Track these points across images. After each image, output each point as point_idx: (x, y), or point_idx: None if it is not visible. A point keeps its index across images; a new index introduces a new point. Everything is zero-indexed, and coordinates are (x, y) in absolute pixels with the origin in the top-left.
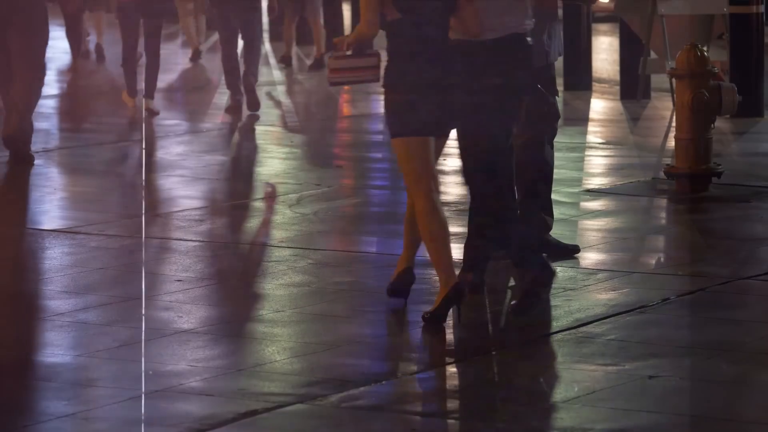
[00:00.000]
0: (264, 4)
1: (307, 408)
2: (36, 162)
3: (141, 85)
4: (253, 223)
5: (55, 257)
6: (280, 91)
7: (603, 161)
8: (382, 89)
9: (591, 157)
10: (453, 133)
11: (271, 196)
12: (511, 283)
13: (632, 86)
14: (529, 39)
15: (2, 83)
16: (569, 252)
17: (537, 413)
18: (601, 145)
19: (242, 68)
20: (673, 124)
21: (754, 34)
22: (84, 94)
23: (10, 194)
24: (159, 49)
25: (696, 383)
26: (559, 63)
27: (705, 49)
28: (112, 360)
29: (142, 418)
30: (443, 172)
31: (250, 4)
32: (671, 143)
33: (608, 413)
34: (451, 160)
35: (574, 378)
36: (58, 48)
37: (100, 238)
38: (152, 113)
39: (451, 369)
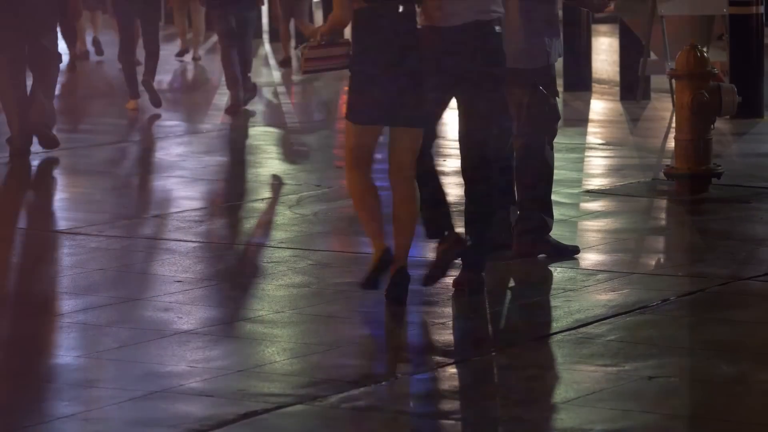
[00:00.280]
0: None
1: (306, 409)
2: (35, 163)
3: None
4: (252, 224)
5: (54, 258)
6: (280, 92)
7: (603, 162)
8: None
9: (591, 158)
10: (453, 133)
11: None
12: (511, 283)
13: (632, 87)
14: (497, 28)
15: (14, 77)
16: (569, 253)
17: (536, 414)
18: (601, 146)
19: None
20: (673, 125)
21: (754, 34)
22: (82, 93)
23: (10, 195)
24: (158, 40)
25: (696, 384)
26: (558, 63)
27: (705, 49)
28: (112, 361)
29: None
30: (443, 173)
31: (247, 4)
32: (671, 144)
33: (608, 414)
34: (451, 161)
35: (574, 378)
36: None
37: (99, 239)
38: (153, 94)
39: (451, 370)
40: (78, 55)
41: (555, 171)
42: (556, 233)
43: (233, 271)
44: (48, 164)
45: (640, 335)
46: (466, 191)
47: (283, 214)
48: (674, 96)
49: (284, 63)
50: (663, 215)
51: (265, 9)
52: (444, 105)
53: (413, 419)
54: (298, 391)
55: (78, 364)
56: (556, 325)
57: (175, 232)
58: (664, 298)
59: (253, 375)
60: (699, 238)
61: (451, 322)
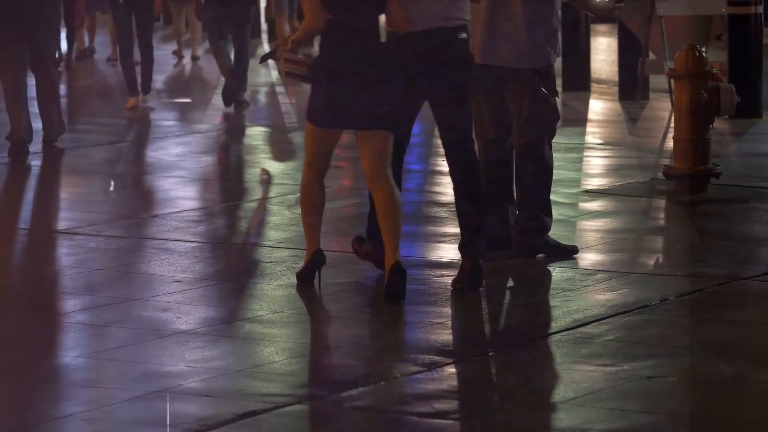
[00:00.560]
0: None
1: (305, 409)
2: (34, 163)
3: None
4: (251, 224)
5: (53, 258)
6: (278, 92)
7: (601, 162)
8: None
9: (589, 158)
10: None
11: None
12: (510, 283)
13: (631, 87)
14: (462, 35)
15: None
16: (568, 253)
17: (535, 414)
18: (600, 146)
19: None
20: (672, 124)
21: (753, 34)
22: (80, 94)
23: (9, 195)
24: (152, 43)
25: (694, 383)
26: (557, 64)
27: (703, 49)
28: (111, 361)
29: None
30: (441, 173)
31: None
32: (670, 144)
33: (607, 414)
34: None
35: (573, 378)
36: None
37: (98, 239)
38: (147, 107)
39: (450, 369)
40: (79, 54)
41: (554, 171)
42: (555, 233)
43: (232, 271)
44: (47, 164)
45: (638, 335)
46: (454, 188)
47: (282, 214)
48: (673, 96)
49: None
50: (662, 215)
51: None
52: (414, 109)
53: (412, 419)
54: (297, 391)
55: (77, 364)
56: (554, 325)
57: (173, 232)
58: (662, 298)
59: (251, 375)
60: (698, 237)
61: (449, 322)
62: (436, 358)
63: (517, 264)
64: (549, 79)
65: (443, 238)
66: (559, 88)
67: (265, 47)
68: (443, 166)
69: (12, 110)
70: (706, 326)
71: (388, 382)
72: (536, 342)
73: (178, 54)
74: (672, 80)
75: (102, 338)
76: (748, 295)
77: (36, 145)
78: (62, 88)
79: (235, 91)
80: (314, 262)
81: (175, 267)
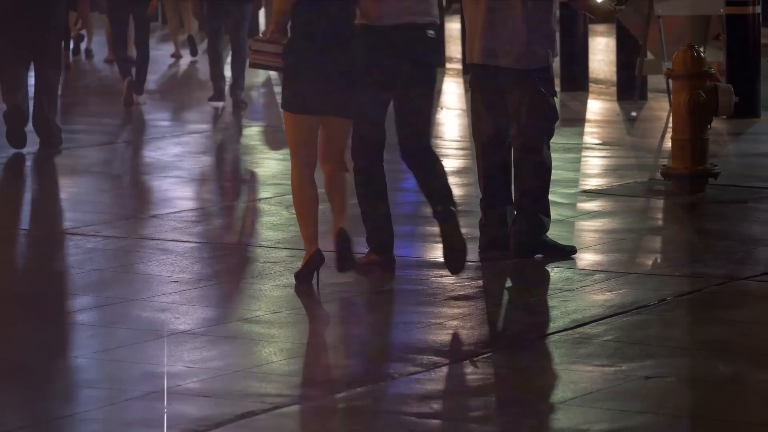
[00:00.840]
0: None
1: (304, 409)
2: (31, 163)
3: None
4: (249, 224)
5: (51, 259)
6: (276, 91)
7: (600, 162)
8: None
9: (588, 158)
10: (450, 134)
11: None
12: (508, 283)
13: (629, 87)
14: (430, 32)
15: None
16: (566, 253)
17: (534, 414)
18: (598, 146)
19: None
20: (670, 125)
21: (751, 34)
22: (77, 93)
23: (7, 195)
24: (148, 42)
25: (693, 384)
26: (555, 64)
27: (702, 49)
28: (110, 361)
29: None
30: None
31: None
32: (668, 144)
33: (605, 414)
34: (447, 161)
35: (571, 379)
36: None
37: (96, 239)
38: (139, 104)
39: (448, 370)
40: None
41: (552, 171)
42: (553, 233)
43: (230, 271)
44: (45, 164)
45: (637, 335)
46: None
47: (280, 215)
48: (671, 96)
49: None
50: (660, 215)
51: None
52: (385, 103)
53: (410, 419)
54: (295, 392)
55: (75, 365)
56: (553, 325)
57: (172, 232)
58: (661, 298)
59: (250, 375)
60: (696, 238)
61: (447, 323)
62: (435, 359)
63: (515, 264)
64: (547, 79)
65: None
66: (557, 88)
67: None
68: None
69: (9, 97)
70: (705, 326)
71: (386, 382)
72: (534, 342)
73: (176, 55)
74: (670, 80)
75: (100, 339)
76: (747, 295)
77: (33, 146)
78: (59, 89)
79: (222, 94)
80: (313, 263)
81: (173, 267)
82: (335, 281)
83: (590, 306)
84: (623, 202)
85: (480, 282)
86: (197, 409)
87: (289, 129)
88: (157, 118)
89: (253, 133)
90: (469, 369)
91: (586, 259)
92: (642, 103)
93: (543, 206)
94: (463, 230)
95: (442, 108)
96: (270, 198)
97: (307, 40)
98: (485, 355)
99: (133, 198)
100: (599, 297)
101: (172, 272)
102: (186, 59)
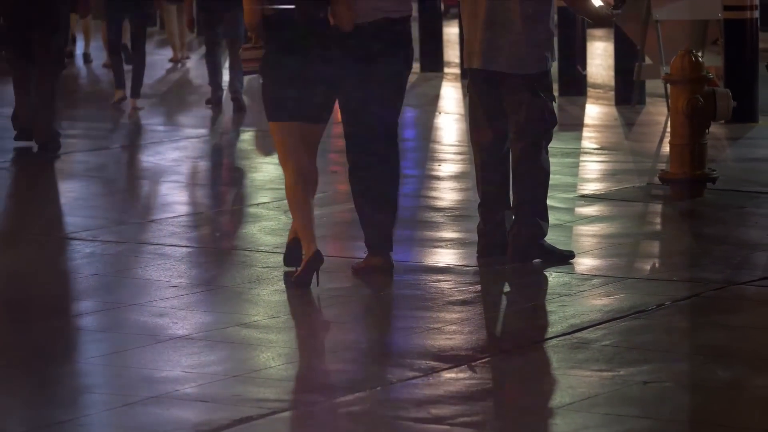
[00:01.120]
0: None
1: (302, 414)
2: (29, 168)
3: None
4: (247, 229)
5: (49, 263)
6: None
7: (598, 167)
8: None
9: (586, 163)
10: (448, 138)
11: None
12: (506, 288)
13: (627, 92)
14: (408, 26)
15: (21, 85)
16: (564, 258)
17: (532, 419)
18: (596, 151)
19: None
20: (668, 129)
21: (749, 39)
22: (76, 98)
23: (5, 200)
24: (144, 46)
25: (691, 389)
26: (553, 68)
27: (700, 54)
28: (107, 366)
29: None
30: (437, 178)
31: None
32: (666, 149)
33: (603, 419)
34: (446, 165)
35: (569, 384)
36: None
37: (95, 244)
38: (136, 110)
39: (446, 375)
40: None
41: (551, 175)
42: (551, 238)
43: (228, 276)
44: (42, 169)
45: (635, 340)
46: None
47: (278, 219)
48: (669, 101)
49: None
50: (658, 220)
51: None
52: (366, 101)
53: (408, 424)
54: (294, 397)
55: (73, 370)
56: (551, 330)
57: (170, 237)
58: (659, 303)
59: (248, 380)
60: (694, 242)
61: (446, 327)
62: (433, 364)
63: (513, 269)
64: (546, 83)
65: (439, 243)
66: (555, 93)
67: None
68: (439, 171)
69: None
70: (703, 331)
71: (384, 387)
72: (533, 347)
73: (174, 59)
74: (668, 85)
75: (98, 343)
76: (745, 300)
77: (32, 148)
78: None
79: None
80: (312, 265)
81: (171, 272)
82: (333, 286)
83: (588, 311)
84: (621, 206)
85: (478, 287)
86: (195, 414)
87: (276, 138)
88: (155, 123)
89: (250, 137)
90: (467, 374)
91: (585, 263)
92: (640, 107)
93: (541, 211)
94: (462, 235)
95: (440, 112)
96: (268, 203)
97: (282, 51)
98: (483, 360)
99: (131, 203)
100: (597, 302)
101: (170, 277)
102: (188, 63)
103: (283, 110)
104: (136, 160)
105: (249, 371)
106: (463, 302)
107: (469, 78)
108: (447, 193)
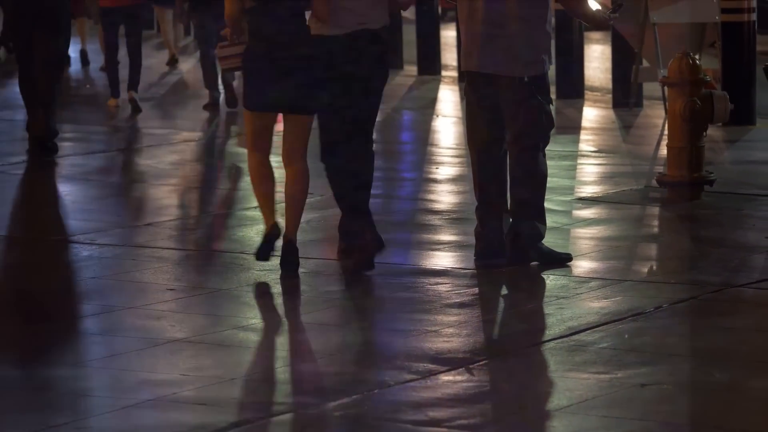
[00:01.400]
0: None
1: (299, 417)
2: (27, 171)
3: (123, 85)
4: (245, 232)
5: (46, 267)
6: None
7: (595, 169)
8: None
9: (583, 166)
10: (445, 141)
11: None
12: (504, 291)
13: (624, 94)
14: (382, 36)
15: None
16: (562, 260)
17: (529, 421)
18: (594, 154)
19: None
20: (666, 132)
21: (746, 42)
22: (73, 102)
23: (2, 203)
24: (140, 46)
25: (689, 391)
26: (551, 71)
27: (697, 57)
28: (105, 369)
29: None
30: (434, 181)
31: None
32: (663, 151)
33: (601, 421)
34: (444, 168)
35: (567, 386)
36: None
37: (92, 247)
38: (135, 105)
39: (444, 377)
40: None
41: (548, 178)
42: (549, 241)
43: (225, 279)
44: (40, 172)
45: (632, 343)
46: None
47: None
48: (666, 103)
49: None
50: (655, 223)
51: None
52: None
53: (406, 427)
54: (291, 400)
55: (71, 373)
56: (548, 333)
57: (167, 240)
58: (656, 306)
59: (246, 383)
60: (691, 245)
61: (443, 330)
62: (430, 366)
63: (510, 272)
64: (543, 86)
65: (437, 245)
66: (552, 96)
67: None
68: (436, 173)
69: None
70: (700, 334)
71: (382, 390)
72: (530, 350)
73: (170, 62)
74: (666, 88)
75: (96, 347)
76: (742, 303)
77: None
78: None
79: (217, 102)
80: (271, 236)
81: (168, 275)
82: (328, 289)
83: (586, 313)
84: (619, 209)
85: (476, 289)
86: (193, 417)
87: (248, 124)
88: (152, 126)
89: None
90: (464, 376)
91: (582, 266)
92: (638, 110)
93: (539, 214)
94: (459, 238)
95: (437, 115)
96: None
97: (261, 42)
98: (481, 363)
99: (129, 206)
100: (595, 304)
101: (167, 280)
102: (183, 66)
103: (257, 99)
104: (133, 163)
105: (247, 374)
106: (461, 305)
107: (467, 81)
108: (444, 196)
